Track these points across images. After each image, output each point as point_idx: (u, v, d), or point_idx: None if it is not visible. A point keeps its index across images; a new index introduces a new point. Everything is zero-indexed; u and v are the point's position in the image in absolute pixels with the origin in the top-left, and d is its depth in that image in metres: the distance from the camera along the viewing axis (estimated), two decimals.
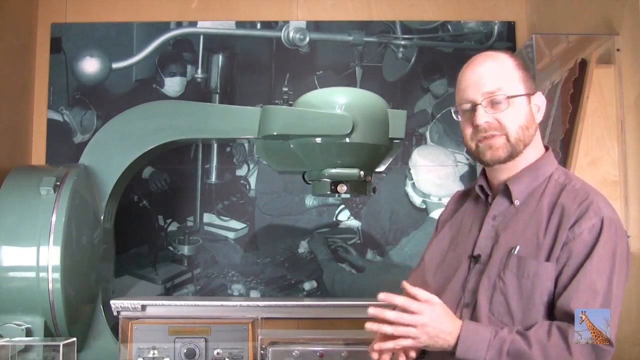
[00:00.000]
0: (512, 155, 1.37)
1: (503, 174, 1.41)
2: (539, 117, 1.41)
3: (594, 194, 1.32)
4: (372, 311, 1.32)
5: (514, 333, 1.25)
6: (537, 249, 1.30)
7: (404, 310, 1.30)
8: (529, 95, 1.38)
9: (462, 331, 1.27)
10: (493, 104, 1.35)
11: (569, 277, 1.26)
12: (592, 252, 1.26)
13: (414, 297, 1.32)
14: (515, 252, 1.32)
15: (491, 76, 1.37)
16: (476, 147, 1.39)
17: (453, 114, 1.44)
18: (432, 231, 1.67)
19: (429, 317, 1.29)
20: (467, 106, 1.39)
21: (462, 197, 1.57)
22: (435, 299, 1.32)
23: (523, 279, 1.30)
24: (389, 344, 1.31)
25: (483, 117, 1.36)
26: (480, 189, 1.47)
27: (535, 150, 1.41)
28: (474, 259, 1.39)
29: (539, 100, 1.41)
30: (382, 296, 1.32)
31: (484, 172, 1.48)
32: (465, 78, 1.40)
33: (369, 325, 1.32)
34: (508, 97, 1.35)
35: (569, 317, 1.23)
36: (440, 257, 1.50)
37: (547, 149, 1.44)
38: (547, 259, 1.29)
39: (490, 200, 1.44)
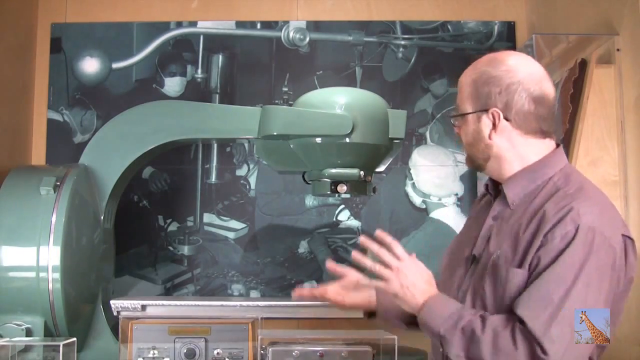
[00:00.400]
0: (476, 167, 1.44)
1: (503, 174, 1.39)
2: (494, 133, 1.35)
3: (582, 200, 1.25)
4: (362, 239, 1.39)
5: (477, 315, 1.25)
6: (513, 254, 1.28)
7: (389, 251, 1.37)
8: (481, 111, 1.35)
9: (430, 298, 1.31)
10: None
11: (531, 283, 1.23)
12: (557, 259, 1.21)
13: None
14: (494, 258, 1.31)
15: (458, 91, 1.42)
16: None
17: None
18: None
19: (408, 268, 1.34)
20: None
21: (481, 196, 1.57)
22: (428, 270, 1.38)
23: (497, 285, 1.29)
24: (365, 281, 1.42)
25: (455, 128, 1.45)
26: (485, 189, 1.47)
27: (522, 157, 1.36)
28: (471, 259, 1.39)
29: (495, 116, 1.34)
30: (362, 239, 1.39)
31: None
32: None
33: (354, 254, 1.39)
34: (455, 117, 1.41)
35: (519, 320, 1.22)
36: (449, 257, 1.52)
37: (558, 146, 1.39)
38: (520, 265, 1.26)
39: (494, 200, 1.44)
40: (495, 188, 1.44)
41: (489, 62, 1.37)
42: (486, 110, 1.35)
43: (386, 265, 1.35)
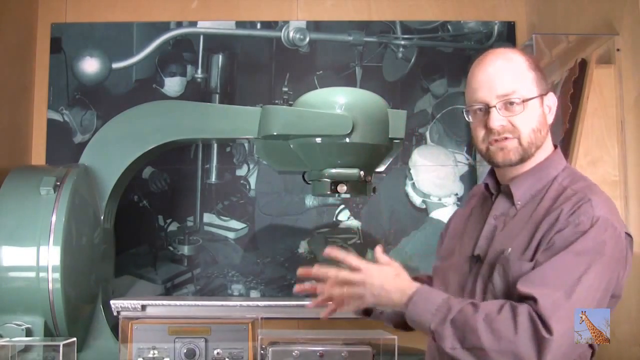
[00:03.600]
0: (523, 159, 1.35)
1: (510, 173, 1.38)
2: (550, 118, 1.38)
3: (595, 195, 1.28)
4: (315, 270, 1.43)
5: (466, 303, 1.23)
6: (525, 250, 1.28)
7: (349, 267, 1.35)
8: (541, 96, 1.35)
9: (414, 293, 1.27)
10: (507, 106, 1.32)
11: (542, 264, 1.22)
12: (573, 244, 1.21)
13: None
14: (505, 254, 1.30)
15: (505, 77, 1.33)
16: (487, 150, 1.37)
17: (464, 114, 1.40)
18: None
19: (370, 274, 1.32)
20: (480, 107, 1.36)
21: (475, 193, 1.55)
22: (393, 263, 1.36)
23: (509, 281, 1.27)
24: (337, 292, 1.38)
25: (497, 120, 1.32)
26: (486, 187, 1.46)
27: (544, 152, 1.38)
28: (474, 259, 1.38)
29: (551, 100, 1.37)
30: (328, 250, 1.40)
31: (492, 169, 1.46)
32: (477, 78, 1.36)
33: (299, 271, 1.46)
34: (523, 100, 1.32)
35: (521, 297, 1.20)
36: (444, 258, 1.51)
37: (556, 147, 1.41)
38: (532, 259, 1.25)
39: (494, 199, 1.43)
40: (497, 187, 1.43)
41: (520, 54, 1.37)
42: (545, 94, 1.36)
43: (351, 283, 1.34)
